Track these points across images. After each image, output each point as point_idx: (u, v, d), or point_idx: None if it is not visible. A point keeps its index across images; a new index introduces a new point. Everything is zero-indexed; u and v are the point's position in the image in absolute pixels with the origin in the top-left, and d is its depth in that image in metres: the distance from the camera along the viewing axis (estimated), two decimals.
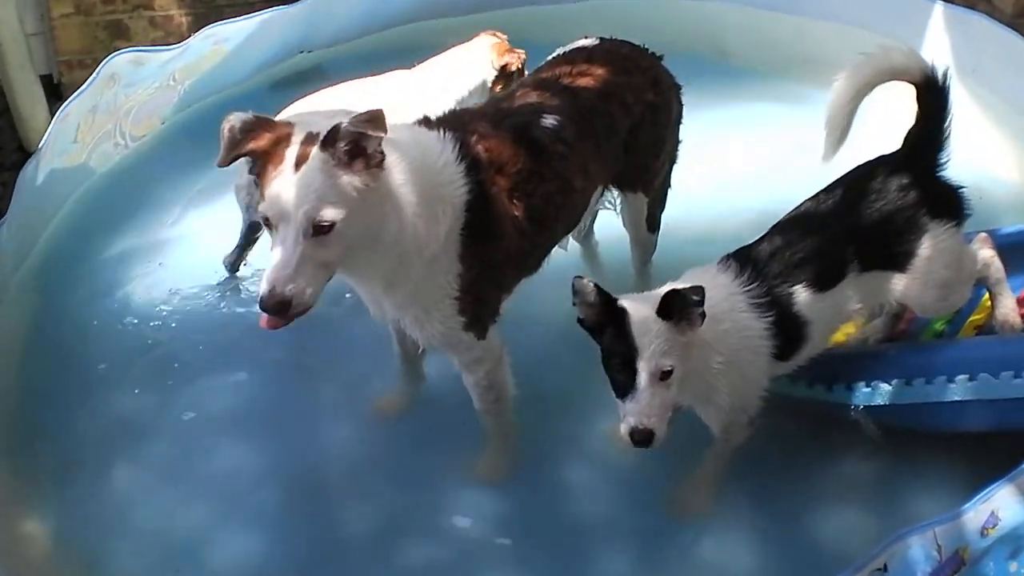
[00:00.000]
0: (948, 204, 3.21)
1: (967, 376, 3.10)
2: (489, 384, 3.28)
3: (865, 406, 3.31)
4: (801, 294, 3.14)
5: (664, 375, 2.86)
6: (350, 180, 2.68)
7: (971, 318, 3.58)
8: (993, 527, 2.66)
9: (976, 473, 2.93)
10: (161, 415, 3.76)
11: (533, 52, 3.80)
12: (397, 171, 2.82)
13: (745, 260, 3.19)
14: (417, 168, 2.87)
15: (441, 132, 3.02)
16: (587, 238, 4.10)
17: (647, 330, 2.86)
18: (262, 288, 2.70)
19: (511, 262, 3.15)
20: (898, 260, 3.19)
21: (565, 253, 3.98)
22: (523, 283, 3.37)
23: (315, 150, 2.67)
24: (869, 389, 3.30)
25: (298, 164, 2.67)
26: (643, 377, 2.85)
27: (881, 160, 3.28)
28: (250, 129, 2.76)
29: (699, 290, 2.86)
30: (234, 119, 2.78)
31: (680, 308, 2.86)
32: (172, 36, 5.49)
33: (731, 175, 4.80)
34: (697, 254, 3.46)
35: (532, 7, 5.88)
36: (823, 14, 5.52)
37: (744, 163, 4.89)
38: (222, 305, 4.18)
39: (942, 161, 3.22)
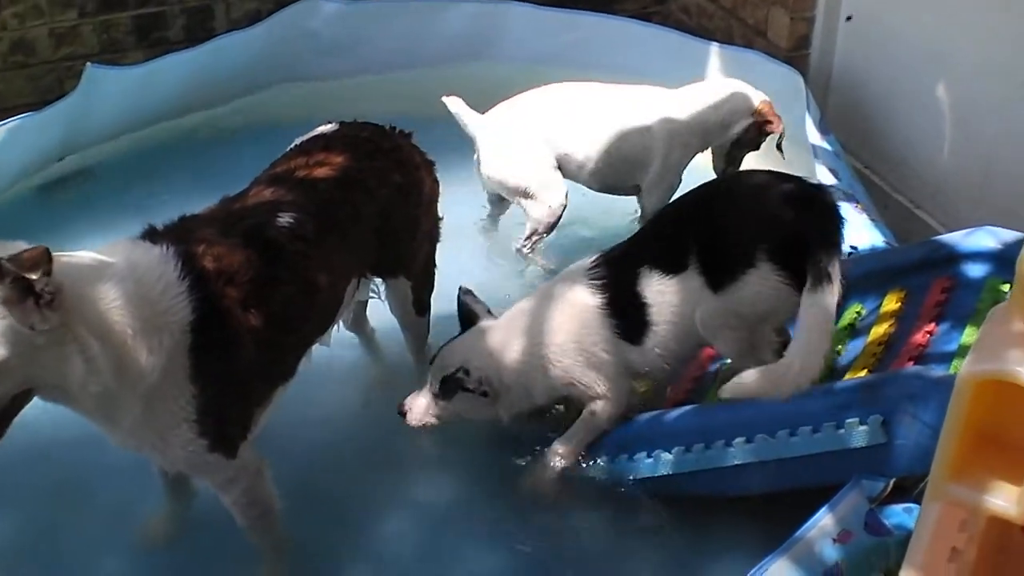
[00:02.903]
0: None
1: (744, 438, 3.01)
2: (249, 501, 3.07)
3: (649, 477, 3.20)
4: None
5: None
6: (18, 319, 2.44)
7: None
8: None
9: (771, 534, 2.82)
10: None
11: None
12: (101, 306, 2.60)
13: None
14: (129, 299, 2.65)
15: (164, 248, 2.80)
16: (361, 327, 3.93)
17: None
18: None
19: (256, 374, 2.95)
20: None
21: (352, 346, 3.86)
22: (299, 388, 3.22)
23: None
24: (651, 460, 3.19)
25: None
26: None
27: None
28: None
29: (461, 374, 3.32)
30: None
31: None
32: None
33: None
34: None
35: (317, 82, 5.72)
36: (601, 65, 5.46)
37: None
38: None
39: None
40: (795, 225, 3.08)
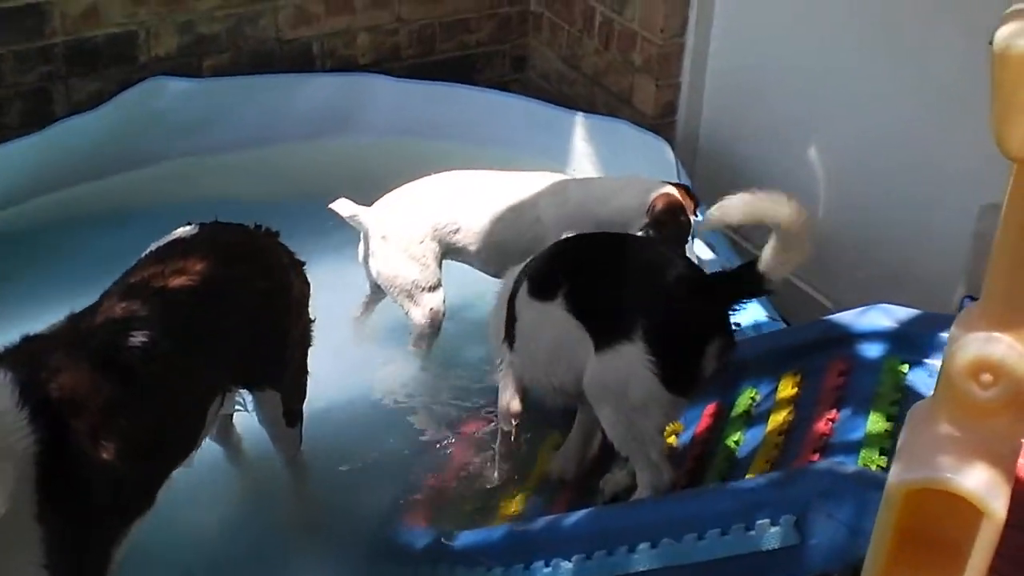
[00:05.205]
0: None
1: (649, 543, 2.82)
2: None
3: None
4: None
5: None
6: None
7: None
8: None
9: None
10: None
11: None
12: None
13: None
14: None
15: (2, 375, 2.51)
16: (228, 438, 3.66)
17: None
18: None
19: (111, 510, 2.67)
20: None
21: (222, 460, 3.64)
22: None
23: None
24: (550, 569, 2.98)
25: None
26: None
27: None
28: None
29: None
30: None
31: None
32: None
33: None
34: None
35: (170, 163, 5.40)
36: (465, 137, 5.35)
37: None
38: None
39: None
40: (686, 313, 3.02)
